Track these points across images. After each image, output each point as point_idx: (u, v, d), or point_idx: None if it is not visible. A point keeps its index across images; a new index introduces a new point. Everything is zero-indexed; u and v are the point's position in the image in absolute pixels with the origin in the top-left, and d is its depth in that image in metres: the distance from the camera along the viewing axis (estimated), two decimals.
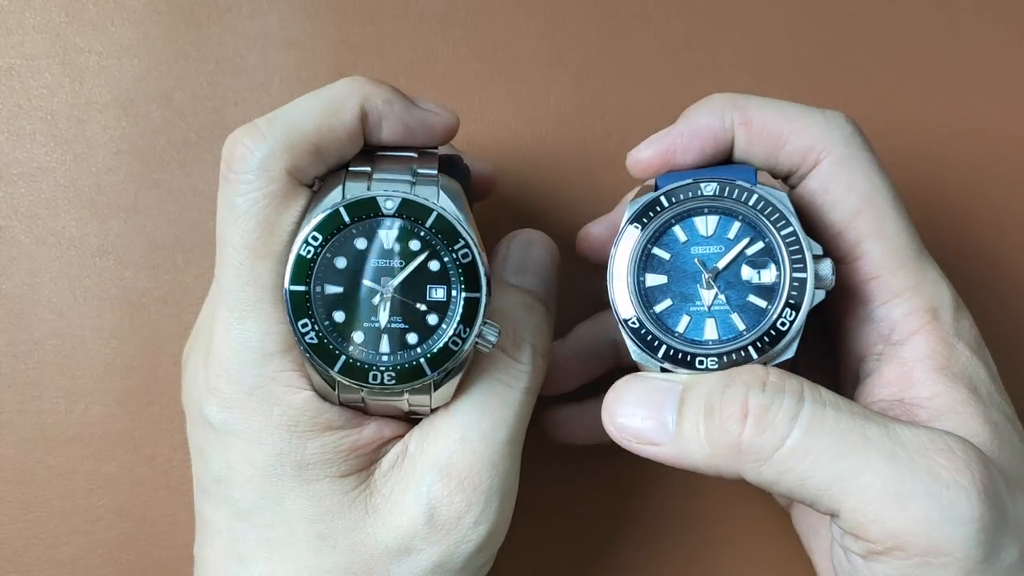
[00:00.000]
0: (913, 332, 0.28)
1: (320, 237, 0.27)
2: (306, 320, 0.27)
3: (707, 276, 0.28)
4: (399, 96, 0.29)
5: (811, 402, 0.26)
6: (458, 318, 0.27)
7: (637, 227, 0.28)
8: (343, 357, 0.27)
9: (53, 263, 0.36)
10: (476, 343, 0.27)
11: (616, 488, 0.36)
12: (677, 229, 0.28)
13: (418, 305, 0.27)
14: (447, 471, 0.28)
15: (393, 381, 0.27)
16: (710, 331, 0.28)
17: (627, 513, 0.37)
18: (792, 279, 0.27)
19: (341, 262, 0.27)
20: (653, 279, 0.28)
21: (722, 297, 0.28)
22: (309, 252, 0.27)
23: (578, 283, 0.37)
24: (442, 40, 0.37)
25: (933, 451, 0.25)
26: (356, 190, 0.27)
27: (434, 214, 0.27)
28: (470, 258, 0.27)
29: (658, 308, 0.28)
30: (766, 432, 0.26)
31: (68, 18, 0.37)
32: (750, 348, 0.27)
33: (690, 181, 0.28)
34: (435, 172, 0.28)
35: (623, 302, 0.28)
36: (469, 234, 0.27)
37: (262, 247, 0.27)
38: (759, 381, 0.27)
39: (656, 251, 0.29)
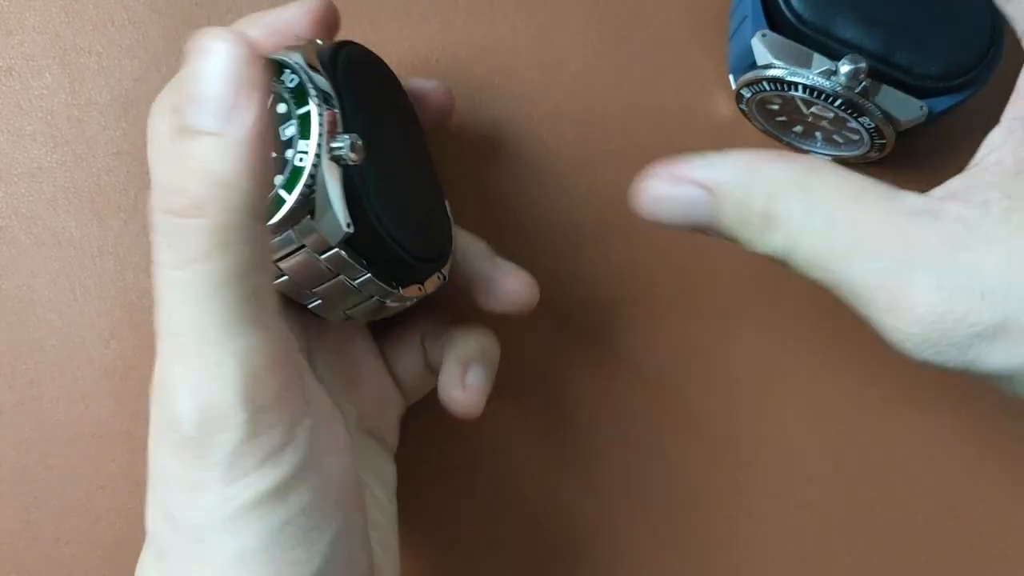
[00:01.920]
0: None
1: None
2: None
3: None
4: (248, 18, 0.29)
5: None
6: (297, 136, 0.26)
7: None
8: None
9: (53, 263, 0.36)
10: (332, 154, 0.26)
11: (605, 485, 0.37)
12: None
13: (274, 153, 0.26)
14: None
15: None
16: None
17: (619, 512, 0.37)
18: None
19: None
20: None
21: None
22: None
23: (571, 285, 0.37)
24: (442, 41, 0.37)
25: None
26: None
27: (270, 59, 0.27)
28: (296, 81, 0.26)
29: None
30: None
31: (68, 18, 0.37)
32: None
33: None
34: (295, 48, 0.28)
35: None
36: (297, 62, 0.26)
37: None
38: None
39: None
